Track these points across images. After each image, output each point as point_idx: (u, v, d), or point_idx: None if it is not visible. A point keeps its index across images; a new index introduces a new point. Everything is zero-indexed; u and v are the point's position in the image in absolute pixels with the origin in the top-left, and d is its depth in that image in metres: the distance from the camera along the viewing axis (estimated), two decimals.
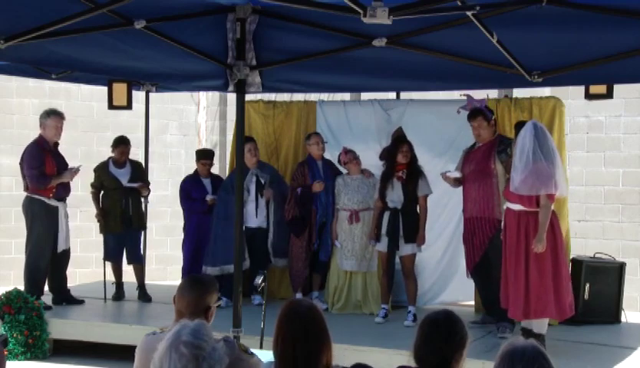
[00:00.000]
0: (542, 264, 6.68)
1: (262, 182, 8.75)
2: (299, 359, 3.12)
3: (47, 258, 8.47)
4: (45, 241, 8.43)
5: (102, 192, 9.02)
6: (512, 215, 6.83)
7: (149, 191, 9.27)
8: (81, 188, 10.43)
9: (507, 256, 6.85)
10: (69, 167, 8.59)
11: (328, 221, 8.59)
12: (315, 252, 8.67)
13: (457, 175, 7.65)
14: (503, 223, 7.01)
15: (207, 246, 8.73)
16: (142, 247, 9.39)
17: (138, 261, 9.17)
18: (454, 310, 3.30)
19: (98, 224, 9.07)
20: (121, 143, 9.03)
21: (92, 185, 9.05)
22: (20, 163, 8.57)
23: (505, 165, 7.38)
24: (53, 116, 8.53)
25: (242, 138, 6.82)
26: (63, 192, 8.57)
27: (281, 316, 3.21)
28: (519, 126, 7.04)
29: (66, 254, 8.68)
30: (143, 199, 9.25)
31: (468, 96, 7.74)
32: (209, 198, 8.87)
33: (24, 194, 8.57)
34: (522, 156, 6.61)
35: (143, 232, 9.33)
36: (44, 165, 8.40)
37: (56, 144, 8.64)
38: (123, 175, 8.96)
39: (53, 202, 8.45)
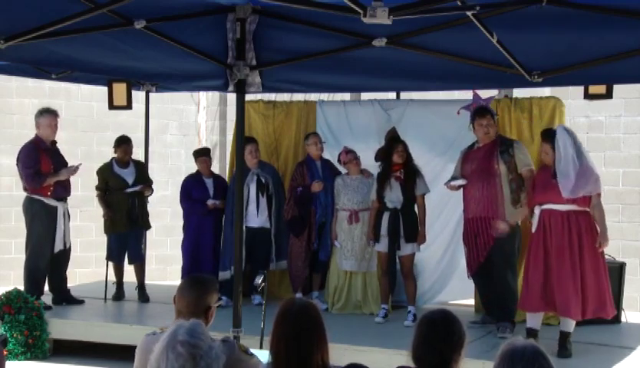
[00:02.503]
0: (598, 263, 6.83)
1: (263, 181, 8.74)
2: (293, 358, 3.12)
3: (46, 258, 8.46)
4: (45, 241, 8.43)
5: (107, 193, 9.02)
6: (559, 216, 6.83)
7: (152, 191, 9.28)
8: (81, 188, 10.43)
9: (554, 257, 6.82)
10: (68, 166, 8.59)
11: (327, 221, 8.59)
12: (314, 252, 8.67)
13: (462, 182, 7.65)
14: (537, 225, 6.93)
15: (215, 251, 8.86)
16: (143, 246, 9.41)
17: (139, 261, 9.18)
18: (454, 310, 3.29)
19: (103, 224, 9.08)
20: (123, 142, 9.04)
21: (97, 187, 9.06)
22: (17, 163, 8.57)
23: (508, 166, 7.39)
24: (46, 115, 8.52)
25: (242, 138, 6.82)
26: (62, 191, 8.56)
27: (277, 315, 3.22)
28: (547, 133, 7.04)
29: (65, 254, 8.67)
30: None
31: (475, 93, 7.71)
32: (210, 202, 8.85)
33: (25, 194, 8.57)
34: (567, 162, 6.74)
35: (145, 232, 9.34)
36: (39, 163, 8.38)
37: (54, 143, 8.63)
38: (129, 175, 8.97)
39: (52, 202, 8.44)
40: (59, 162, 8.59)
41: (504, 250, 7.38)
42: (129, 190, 8.89)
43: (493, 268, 7.43)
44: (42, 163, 8.41)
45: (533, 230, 7.01)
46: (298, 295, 8.57)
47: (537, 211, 6.98)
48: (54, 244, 8.47)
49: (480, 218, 7.50)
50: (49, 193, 8.42)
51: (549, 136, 6.98)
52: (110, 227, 9.02)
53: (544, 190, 6.97)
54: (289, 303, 3.27)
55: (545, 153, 7.01)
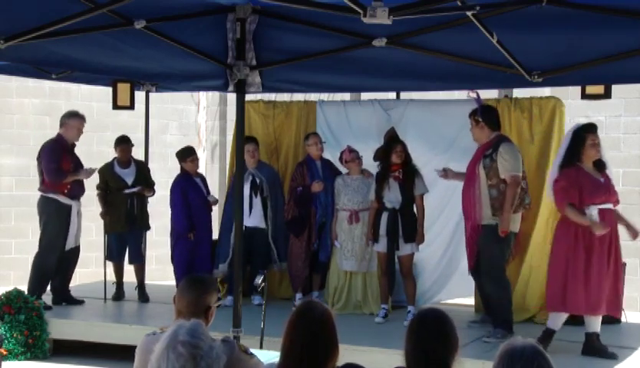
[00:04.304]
0: None
1: (257, 182, 8.74)
2: (305, 362, 3.11)
3: (56, 255, 8.52)
4: (57, 239, 8.51)
5: (107, 193, 9.03)
6: (613, 214, 6.93)
7: (153, 191, 9.28)
8: None
9: (614, 258, 6.87)
10: (84, 168, 8.66)
11: (327, 221, 8.59)
12: (314, 252, 8.67)
13: (440, 174, 7.72)
14: (604, 227, 6.80)
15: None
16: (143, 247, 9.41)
17: (139, 261, 9.19)
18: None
19: (103, 223, 9.10)
20: (122, 142, 9.08)
21: (97, 186, 9.09)
22: (37, 159, 8.63)
23: (487, 171, 7.15)
24: (77, 118, 8.66)
25: (242, 138, 6.83)
26: (78, 189, 8.65)
27: (294, 316, 3.19)
28: (592, 126, 6.97)
29: (75, 252, 8.73)
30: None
31: (476, 92, 7.65)
32: (211, 199, 8.89)
33: (29, 194, 8.63)
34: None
35: (144, 232, 9.35)
36: (61, 160, 8.49)
37: (73, 145, 8.72)
38: (128, 176, 8.99)
39: (67, 201, 8.51)
40: (77, 164, 8.70)
41: (488, 257, 7.20)
42: (127, 191, 8.91)
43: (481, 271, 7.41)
44: (64, 162, 8.50)
45: (602, 232, 6.74)
46: (298, 295, 8.58)
47: (594, 211, 6.75)
48: (65, 242, 8.51)
49: (465, 220, 7.49)
50: (66, 191, 8.49)
51: (594, 128, 6.91)
52: (109, 226, 9.04)
53: (598, 189, 6.79)
54: (309, 306, 3.25)
55: (599, 145, 6.82)
